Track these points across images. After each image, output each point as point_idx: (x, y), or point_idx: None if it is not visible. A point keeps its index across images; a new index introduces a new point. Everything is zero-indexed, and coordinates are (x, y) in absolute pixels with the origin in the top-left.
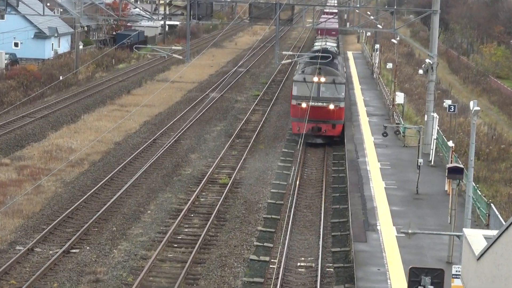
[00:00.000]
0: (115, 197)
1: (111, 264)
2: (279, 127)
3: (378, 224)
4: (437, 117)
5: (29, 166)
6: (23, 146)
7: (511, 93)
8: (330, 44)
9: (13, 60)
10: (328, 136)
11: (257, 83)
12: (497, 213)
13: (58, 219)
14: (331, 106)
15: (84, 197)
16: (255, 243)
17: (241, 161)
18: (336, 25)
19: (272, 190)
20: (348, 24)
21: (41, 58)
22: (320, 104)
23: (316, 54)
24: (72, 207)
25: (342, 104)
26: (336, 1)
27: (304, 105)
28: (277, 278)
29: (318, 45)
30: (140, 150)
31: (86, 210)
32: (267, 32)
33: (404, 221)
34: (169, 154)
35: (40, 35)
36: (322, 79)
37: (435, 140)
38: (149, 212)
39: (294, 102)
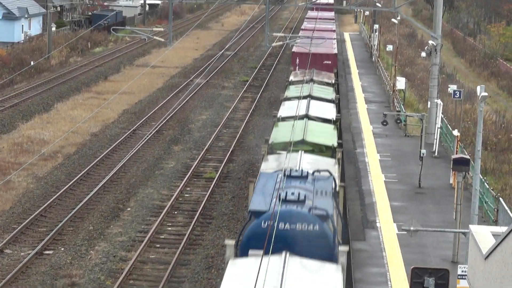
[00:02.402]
0: (91, 193)
1: (88, 266)
2: (269, 115)
3: (377, 221)
4: (441, 103)
5: None
6: None
7: None
8: (319, 110)
9: None
10: None
11: (245, 68)
12: (506, 208)
13: (30, 218)
14: None
15: (58, 194)
16: None
17: (229, 153)
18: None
19: None
20: (344, 2)
21: (10, 42)
22: None
23: None
24: (45, 205)
25: None
26: None
27: None
28: None
29: (286, 116)
30: (119, 141)
31: (60, 208)
32: (256, 11)
33: (405, 218)
34: (150, 145)
35: (9, 16)
36: None
37: (439, 129)
38: (129, 209)
39: None
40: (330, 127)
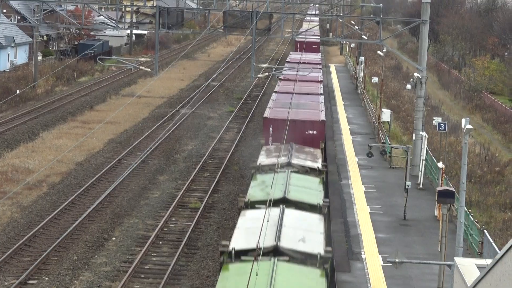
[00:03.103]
0: (76, 223)
1: None
2: (255, 146)
3: (362, 252)
4: (426, 136)
5: None
6: None
7: (505, 110)
8: (297, 235)
9: None
10: None
11: (231, 99)
12: (491, 240)
13: (14, 247)
14: None
15: (42, 223)
16: None
17: (214, 183)
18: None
19: None
20: (330, 34)
21: None
22: None
23: None
24: (30, 234)
25: None
26: (317, 10)
27: None
28: None
29: (243, 249)
30: (104, 171)
31: (44, 237)
32: (243, 42)
33: (390, 249)
34: (136, 175)
35: None
36: None
37: (424, 161)
38: (113, 239)
39: None
40: (315, 275)
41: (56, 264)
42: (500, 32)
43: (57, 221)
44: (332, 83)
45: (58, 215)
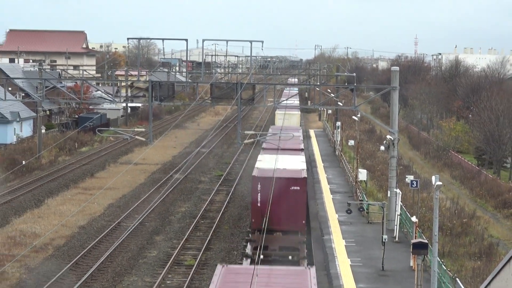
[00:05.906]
0: (80, 282)
1: None
2: (243, 206)
3: None
4: (400, 192)
5: None
6: None
7: (472, 167)
8: None
9: None
10: None
11: (220, 163)
12: (462, 287)
13: None
14: None
15: (48, 283)
16: None
17: (206, 242)
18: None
19: None
20: (309, 102)
21: (3, 143)
22: None
23: None
24: None
25: None
26: (296, 80)
27: None
28: None
29: None
30: (105, 233)
31: None
32: (229, 112)
33: None
34: (134, 236)
35: (2, 120)
36: None
37: (398, 216)
38: None
39: None
40: None
41: None
42: (464, 96)
43: (62, 281)
44: (312, 147)
45: (63, 275)
